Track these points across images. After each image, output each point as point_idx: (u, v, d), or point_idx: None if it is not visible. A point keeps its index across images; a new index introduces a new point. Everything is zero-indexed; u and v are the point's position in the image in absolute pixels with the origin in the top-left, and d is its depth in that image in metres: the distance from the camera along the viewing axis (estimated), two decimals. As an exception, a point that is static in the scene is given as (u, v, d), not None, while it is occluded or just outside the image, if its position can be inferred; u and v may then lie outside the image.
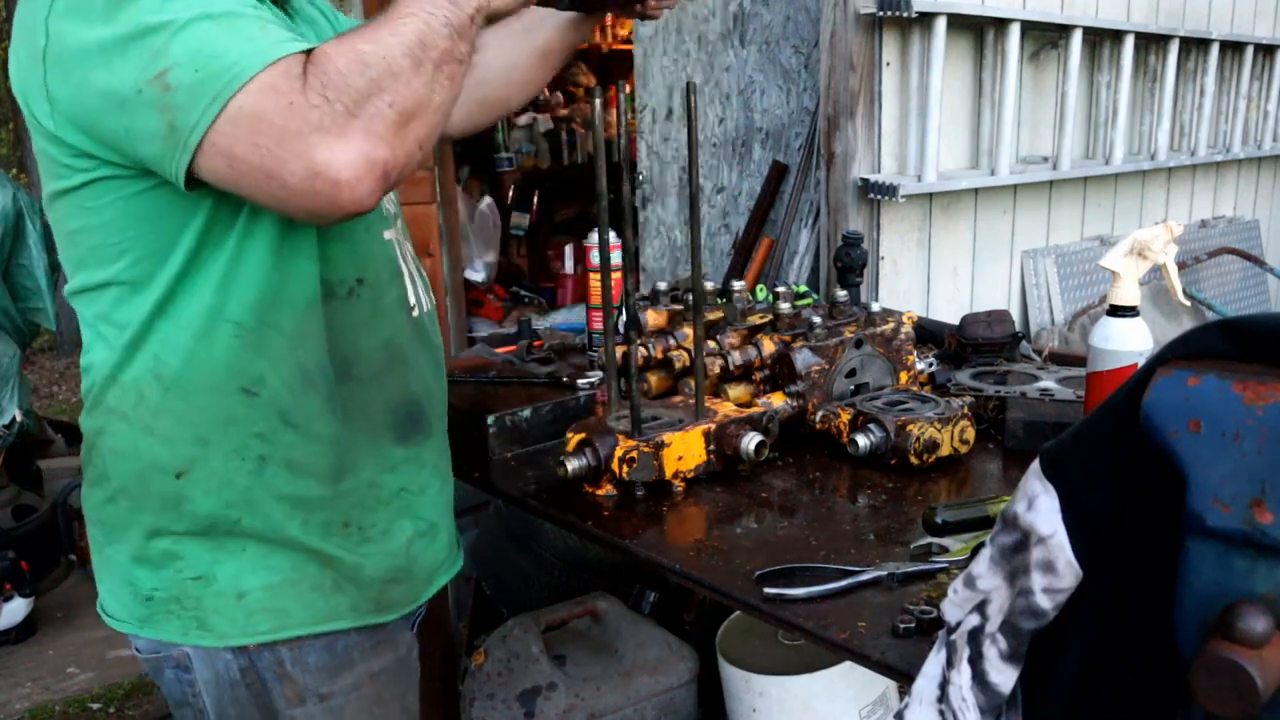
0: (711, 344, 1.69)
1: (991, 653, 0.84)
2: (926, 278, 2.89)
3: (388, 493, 1.24)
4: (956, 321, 1.92)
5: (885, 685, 2.04)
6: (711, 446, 1.49)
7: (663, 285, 1.89)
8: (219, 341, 1.12)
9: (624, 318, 1.47)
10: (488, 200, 5.68)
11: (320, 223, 1.09)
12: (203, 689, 1.22)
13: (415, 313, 1.28)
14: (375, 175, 0.96)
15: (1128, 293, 1.45)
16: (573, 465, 1.42)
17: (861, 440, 1.50)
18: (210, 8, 0.98)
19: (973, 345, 1.85)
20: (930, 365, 1.80)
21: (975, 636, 0.86)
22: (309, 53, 0.98)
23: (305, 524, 1.19)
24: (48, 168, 1.12)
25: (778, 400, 1.62)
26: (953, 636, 0.89)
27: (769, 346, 1.68)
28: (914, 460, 1.49)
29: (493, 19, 1.12)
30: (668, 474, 1.45)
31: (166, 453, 1.15)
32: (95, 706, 2.93)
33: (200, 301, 1.11)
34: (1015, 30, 2.73)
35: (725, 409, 1.54)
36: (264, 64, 0.95)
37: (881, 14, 2.52)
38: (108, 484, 1.20)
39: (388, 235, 1.25)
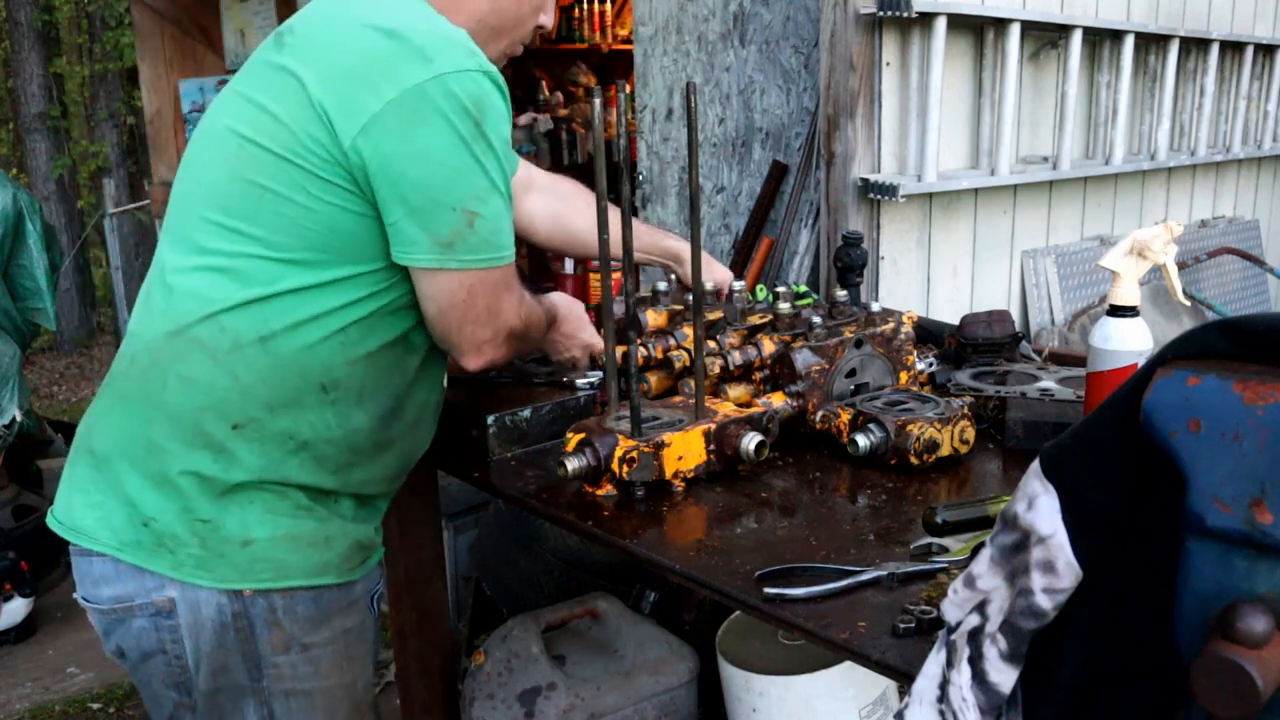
0: (711, 344, 1.69)
1: (991, 653, 0.84)
2: (926, 278, 2.89)
3: (365, 494, 1.42)
4: (956, 321, 1.92)
5: (885, 685, 2.04)
6: (711, 446, 1.49)
7: (663, 285, 1.89)
8: (328, 340, 1.27)
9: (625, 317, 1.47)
10: (488, 200, 5.67)
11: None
12: (185, 634, 1.27)
13: (445, 381, 1.52)
14: (484, 364, 1.35)
15: (1128, 293, 1.45)
16: (573, 465, 1.42)
17: (861, 440, 1.50)
18: (505, 183, 1.28)
19: (973, 345, 1.85)
20: (930, 365, 1.80)
21: (975, 636, 0.86)
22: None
23: (311, 497, 1.32)
24: (300, 151, 1.23)
25: (778, 400, 1.62)
26: (953, 636, 0.89)
27: (769, 346, 1.68)
28: (914, 460, 1.49)
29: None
30: (668, 474, 1.45)
31: (237, 402, 1.25)
32: (95, 706, 2.93)
33: (332, 302, 1.26)
34: (1015, 30, 2.73)
35: (725, 409, 1.54)
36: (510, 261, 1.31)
37: (881, 14, 2.52)
38: (158, 406, 1.26)
39: None
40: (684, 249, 1.84)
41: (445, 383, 1.52)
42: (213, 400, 1.25)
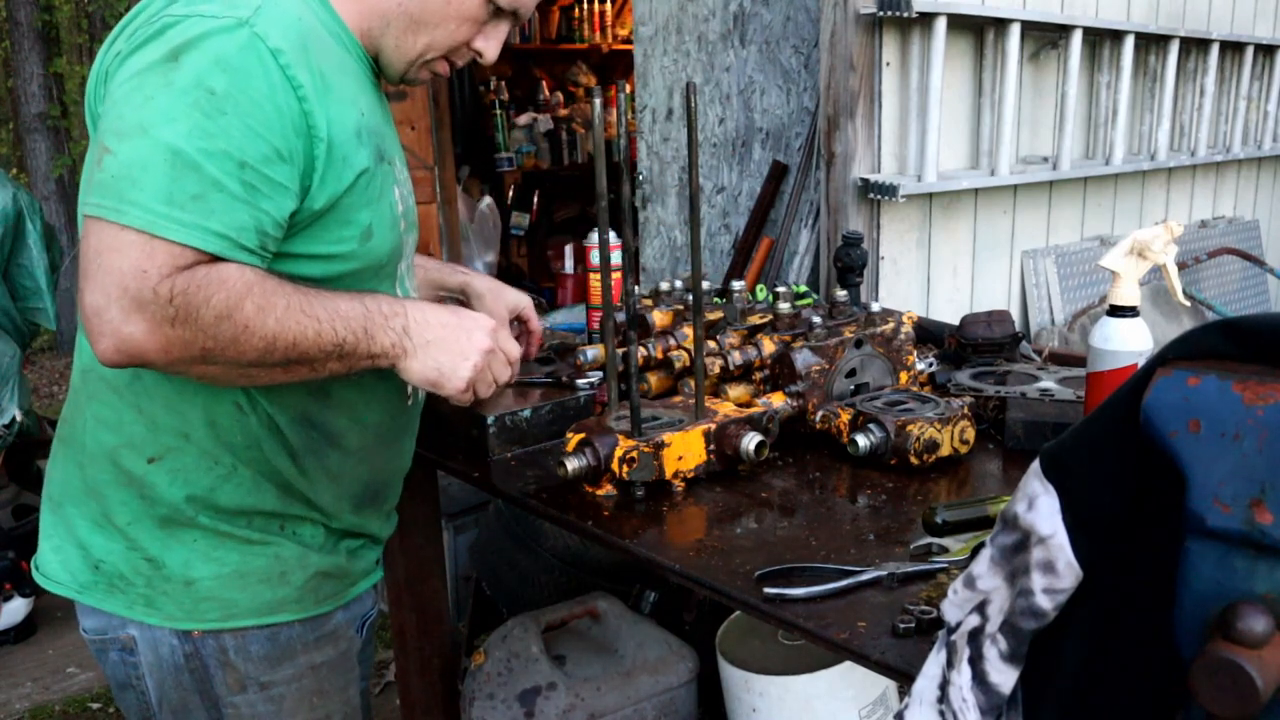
0: (711, 344, 1.69)
1: (992, 653, 0.84)
2: (926, 278, 2.89)
3: (335, 526, 1.33)
4: (956, 321, 1.92)
5: (885, 685, 2.04)
6: (711, 446, 1.49)
7: (664, 285, 1.89)
8: None
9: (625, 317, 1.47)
10: (488, 200, 5.68)
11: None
12: (146, 672, 1.26)
13: (410, 402, 1.39)
14: (128, 359, 1.04)
15: (1128, 293, 1.45)
16: (573, 465, 1.42)
17: (861, 440, 1.50)
18: (181, 142, 1.03)
19: (973, 345, 1.85)
20: (930, 365, 1.80)
21: (975, 637, 0.86)
22: (215, 259, 1.05)
23: (258, 526, 1.25)
24: None
25: (778, 400, 1.62)
26: (953, 637, 0.89)
27: (769, 346, 1.68)
28: (914, 460, 1.49)
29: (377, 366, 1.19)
30: (668, 474, 1.45)
31: (146, 435, 1.19)
32: (95, 706, 2.93)
33: None
34: (1015, 30, 2.73)
35: (725, 409, 1.54)
36: (159, 233, 1.02)
37: (881, 14, 2.52)
38: (81, 449, 1.23)
39: None
40: (473, 281, 1.64)
41: (413, 400, 1.38)
42: (123, 437, 1.19)
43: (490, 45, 1.29)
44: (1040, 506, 0.80)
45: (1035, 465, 0.82)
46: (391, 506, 1.45)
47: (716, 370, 1.64)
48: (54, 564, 1.27)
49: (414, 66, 1.28)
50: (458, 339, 1.20)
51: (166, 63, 1.05)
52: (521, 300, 1.68)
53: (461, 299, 1.63)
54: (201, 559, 1.22)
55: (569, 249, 5.84)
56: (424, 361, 1.18)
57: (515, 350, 1.29)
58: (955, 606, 0.90)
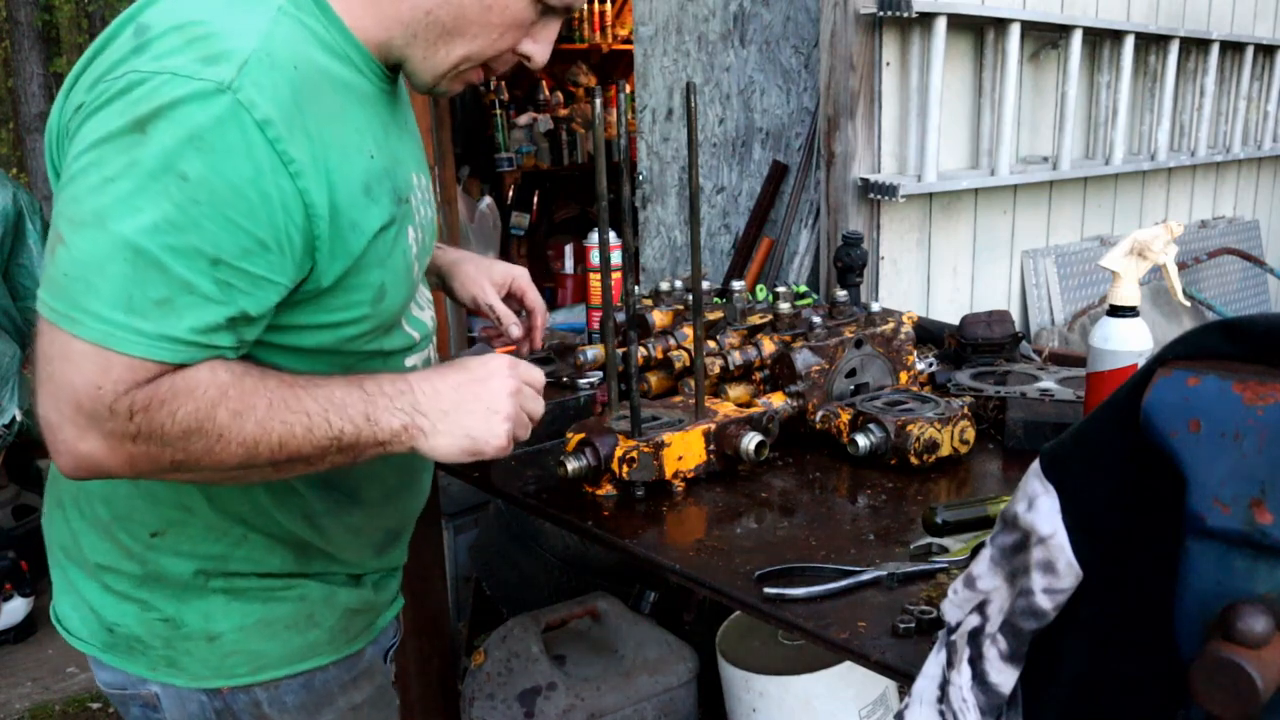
0: (711, 344, 1.69)
1: (992, 653, 0.84)
2: (926, 278, 2.89)
3: (359, 574, 1.25)
4: (956, 321, 1.92)
5: (885, 685, 2.04)
6: (711, 446, 1.49)
7: (664, 285, 1.89)
8: None
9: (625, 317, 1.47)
10: (488, 200, 5.68)
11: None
12: None
13: None
14: (90, 474, 0.95)
15: (1128, 293, 1.45)
16: (573, 465, 1.42)
17: (861, 440, 1.50)
18: (144, 239, 0.89)
19: (973, 345, 1.85)
20: (930, 365, 1.80)
21: (975, 637, 0.86)
22: (179, 368, 0.92)
23: (286, 576, 1.15)
24: None
25: (778, 400, 1.62)
26: (953, 637, 0.89)
27: (769, 346, 1.68)
28: (914, 460, 1.49)
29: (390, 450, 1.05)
30: (668, 474, 1.45)
31: (148, 509, 1.09)
32: (95, 706, 2.92)
33: None
34: (1015, 30, 2.73)
35: (725, 409, 1.54)
36: (116, 347, 0.90)
37: (881, 14, 2.52)
38: (76, 517, 1.13)
39: (410, 361, 1.20)
40: (451, 254, 1.50)
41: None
42: (120, 511, 1.09)
43: (540, 48, 1.13)
44: (1040, 506, 0.80)
45: (1035, 465, 0.82)
46: (409, 536, 1.37)
47: (716, 370, 1.64)
48: (74, 620, 1.17)
49: (446, 78, 1.12)
50: (478, 394, 1.06)
51: (131, 134, 0.89)
52: (511, 271, 1.50)
53: (444, 281, 1.49)
54: (222, 612, 1.12)
55: (569, 249, 5.83)
56: (450, 434, 1.05)
57: (539, 376, 1.15)
58: (955, 606, 0.90)
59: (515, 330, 1.49)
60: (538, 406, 1.13)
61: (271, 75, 0.94)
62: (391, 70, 1.13)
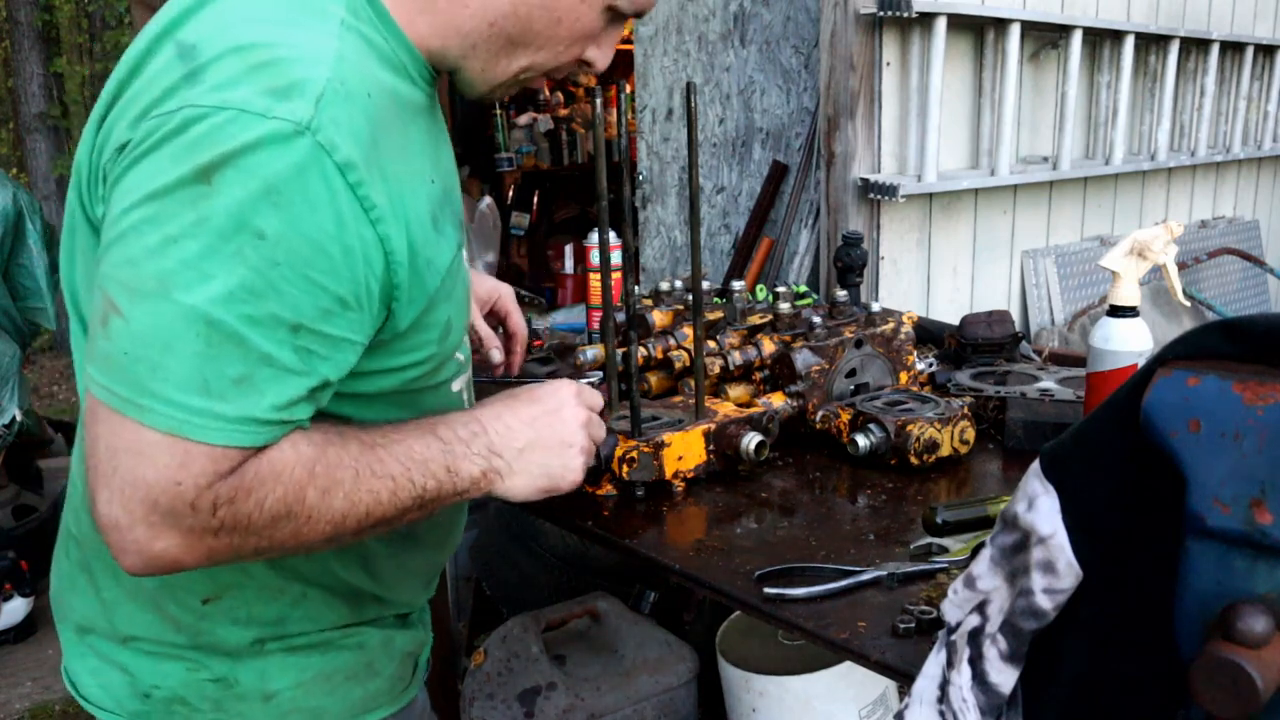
0: (711, 344, 1.69)
1: (992, 653, 0.84)
2: (926, 278, 2.89)
3: (407, 613, 1.18)
4: (956, 321, 1.92)
5: (885, 685, 2.04)
6: (711, 446, 1.49)
7: (664, 285, 1.89)
8: None
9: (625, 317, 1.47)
10: (488, 200, 5.68)
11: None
12: None
13: None
14: (160, 571, 0.84)
15: (1128, 293, 1.45)
16: (573, 465, 1.42)
17: (861, 440, 1.50)
18: (218, 310, 0.78)
19: (973, 345, 1.85)
20: (930, 365, 1.80)
21: (975, 637, 0.86)
22: (261, 449, 0.83)
23: (337, 631, 1.07)
24: None
25: (778, 400, 1.62)
26: (953, 637, 0.89)
27: (769, 346, 1.68)
28: (914, 460, 1.49)
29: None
30: (668, 474, 1.45)
31: (201, 574, 0.97)
32: (95, 706, 2.93)
33: None
34: (1015, 30, 2.73)
35: (725, 409, 1.54)
36: (195, 436, 0.79)
37: (881, 14, 2.52)
38: (115, 584, 1.02)
39: (456, 386, 1.12)
40: None
41: None
42: (168, 579, 0.96)
43: (603, 54, 1.06)
44: (1040, 506, 0.80)
45: (1035, 465, 0.82)
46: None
47: (716, 370, 1.64)
48: (93, 687, 1.05)
49: (502, 87, 1.04)
50: (553, 428, 1.02)
51: (194, 184, 0.77)
52: (498, 289, 1.45)
53: None
54: (279, 668, 1.03)
55: (569, 249, 5.84)
56: (527, 473, 1.00)
57: (600, 401, 1.11)
58: (955, 606, 0.90)
59: (496, 355, 1.45)
60: (602, 433, 1.10)
61: (348, 109, 0.83)
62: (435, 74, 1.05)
